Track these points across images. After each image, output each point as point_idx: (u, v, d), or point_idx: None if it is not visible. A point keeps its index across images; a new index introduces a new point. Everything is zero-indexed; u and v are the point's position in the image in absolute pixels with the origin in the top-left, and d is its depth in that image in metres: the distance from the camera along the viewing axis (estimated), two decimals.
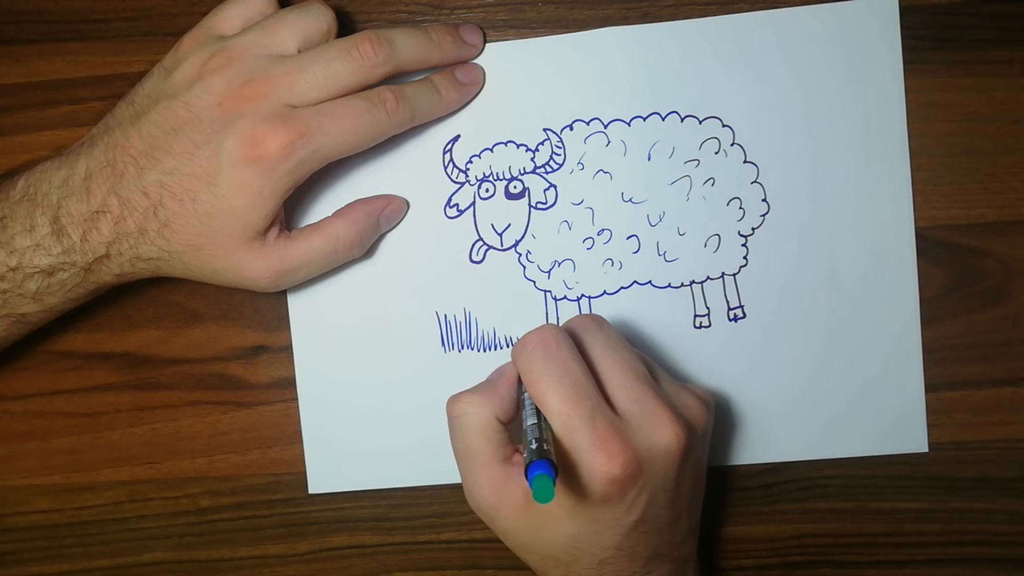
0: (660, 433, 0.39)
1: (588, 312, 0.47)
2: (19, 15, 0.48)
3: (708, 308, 0.47)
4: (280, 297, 0.48)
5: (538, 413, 0.40)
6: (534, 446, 0.37)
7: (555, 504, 0.38)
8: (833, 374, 0.47)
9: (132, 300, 0.49)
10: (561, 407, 0.39)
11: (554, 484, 0.36)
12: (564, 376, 0.39)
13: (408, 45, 0.44)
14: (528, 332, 0.41)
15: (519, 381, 0.42)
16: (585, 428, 0.38)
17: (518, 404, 0.42)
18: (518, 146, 0.47)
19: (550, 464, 0.36)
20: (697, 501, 0.44)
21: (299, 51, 0.43)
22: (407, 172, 0.47)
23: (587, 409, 0.39)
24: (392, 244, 0.48)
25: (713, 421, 0.43)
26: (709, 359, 0.47)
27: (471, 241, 0.48)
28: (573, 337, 0.41)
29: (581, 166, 0.47)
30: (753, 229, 0.47)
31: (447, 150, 0.47)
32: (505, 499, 0.40)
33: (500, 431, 0.41)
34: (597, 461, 0.38)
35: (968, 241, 0.46)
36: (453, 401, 0.42)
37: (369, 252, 0.47)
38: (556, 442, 0.39)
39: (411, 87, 0.44)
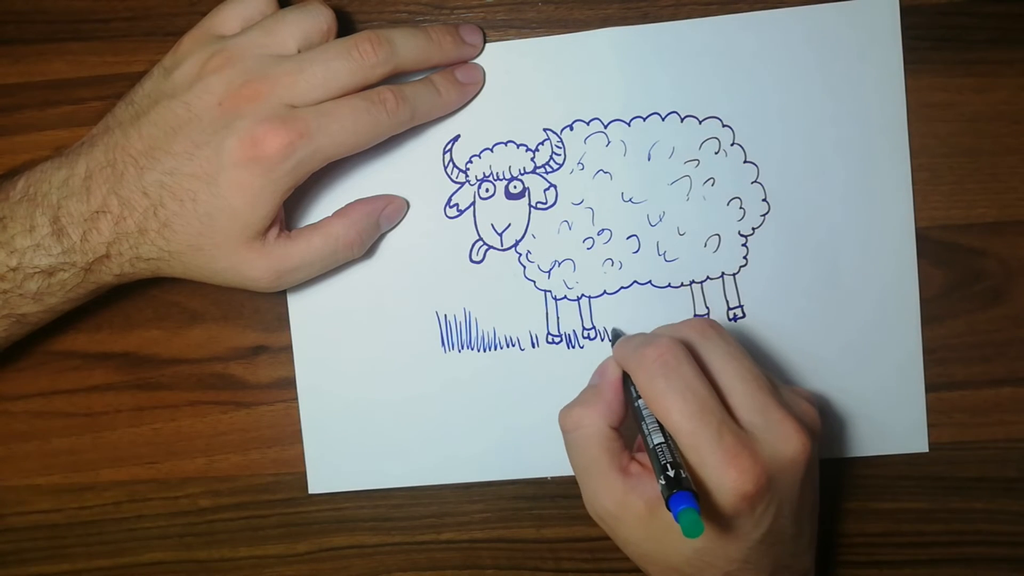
0: (786, 444, 0.39)
1: (703, 317, 0.45)
2: (19, 15, 0.48)
3: (708, 308, 0.47)
4: (280, 297, 0.48)
5: (663, 429, 0.39)
6: (671, 473, 0.37)
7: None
8: (833, 374, 0.47)
9: (132, 300, 0.49)
10: (686, 424, 0.38)
11: (700, 514, 0.35)
12: (687, 392, 0.39)
13: (408, 45, 0.44)
14: (643, 344, 0.40)
15: (623, 382, 0.42)
16: (712, 444, 0.38)
17: (626, 406, 0.42)
18: (518, 146, 0.47)
19: (692, 495, 0.36)
20: (815, 511, 0.43)
21: (299, 51, 0.43)
22: (407, 172, 0.47)
23: (713, 425, 0.38)
24: (392, 244, 0.48)
25: None
26: None
27: (471, 241, 0.48)
28: (688, 345, 0.41)
29: (581, 166, 0.47)
30: (753, 229, 0.47)
31: (447, 150, 0.47)
32: (627, 509, 0.40)
33: (615, 440, 0.41)
34: (728, 478, 0.37)
35: (968, 241, 0.46)
36: (565, 414, 0.42)
37: (369, 252, 0.47)
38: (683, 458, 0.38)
39: (411, 87, 0.44)
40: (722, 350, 0.41)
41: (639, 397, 0.41)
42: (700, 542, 0.39)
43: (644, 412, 0.40)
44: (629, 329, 0.47)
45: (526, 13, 0.47)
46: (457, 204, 0.47)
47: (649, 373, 0.39)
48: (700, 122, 0.46)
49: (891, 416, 0.47)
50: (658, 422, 0.39)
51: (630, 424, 0.42)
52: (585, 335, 0.47)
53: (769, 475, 0.38)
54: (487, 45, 0.47)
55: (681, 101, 0.46)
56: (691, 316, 0.47)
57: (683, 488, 0.36)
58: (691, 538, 0.35)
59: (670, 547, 0.40)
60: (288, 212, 0.46)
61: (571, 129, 0.47)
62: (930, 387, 0.47)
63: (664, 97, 0.46)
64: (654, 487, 0.39)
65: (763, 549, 0.39)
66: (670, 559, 0.40)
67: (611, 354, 0.44)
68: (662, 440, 0.39)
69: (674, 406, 0.38)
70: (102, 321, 0.49)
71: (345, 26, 0.46)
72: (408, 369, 0.48)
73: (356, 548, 0.49)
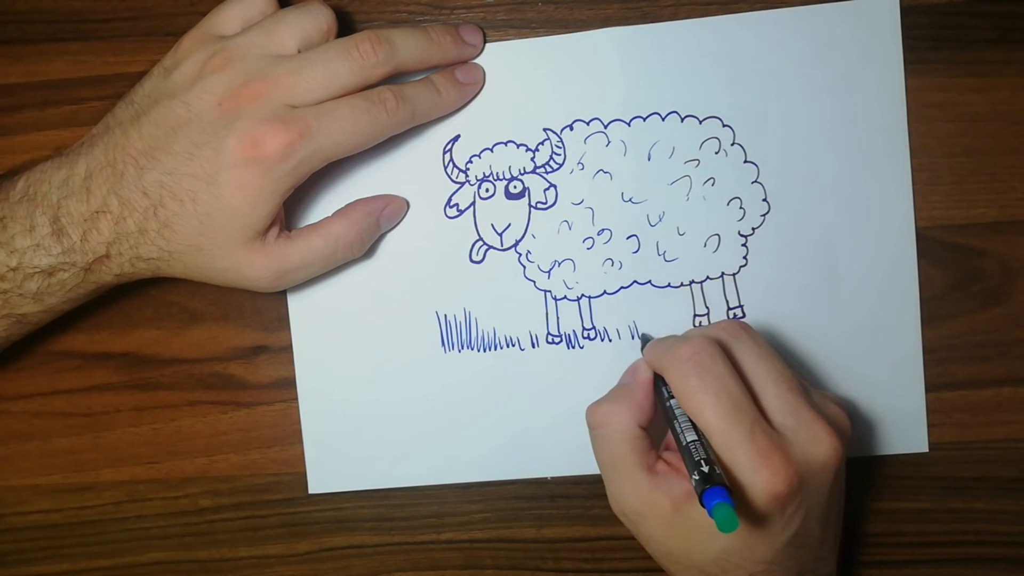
0: (818, 447, 0.39)
1: (735, 319, 0.44)
2: (19, 15, 0.48)
3: (708, 308, 0.47)
4: (280, 297, 0.48)
5: (695, 428, 0.39)
6: (705, 469, 0.37)
7: (707, 516, 0.38)
8: (833, 374, 0.47)
9: (132, 300, 0.49)
10: (719, 424, 0.38)
11: (734, 509, 0.35)
12: (721, 392, 0.39)
13: (408, 45, 0.44)
14: (677, 343, 0.40)
15: (654, 383, 0.42)
16: (745, 444, 0.38)
17: (655, 408, 0.42)
18: (518, 146, 0.47)
19: (726, 491, 0.36)
20: (840, 517, 0.43)
21: (299, 51, 0.43)
22: (407, 172, 0.47)
23: (746, 425, 0.38)
24: (392, 244, 0.48)
25: None
26: None
27: (471, 241, 0.48)
28: (721, 345, 0.41)
29: (581, 166, 0.47)
30: (753, 229, 0.47)
31: (447, 150, 0.47)
32: (652, 507, 0.40)
33: (643, 438, 0.41)
34: (760, 478, 0.38)
35: (968, 241, 0.46)
36: (593, 410, 0.42)
37: (369, 252, 0.47)
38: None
39: (411, 87, 0.44)
40: (754, 351, 0.41)
41: (671, 397, 0.41)
42: (727, 542, 0.39)
43: (676, 411, 0.40)
44: (629, 329, 0.47)
45: (526, 13, 0.47)
46: (457, 204, 0.47)
47: (683, 372, 0.39)
48: (700, 122, 0.46)
49: (891, 416, 0.47)
50: (690, 421, 0.39)
51: (657, 426, 0.42)
52: (585, 335, 0.47)
53: (800, 477, 0.38)
54: (487, 45, 0.47)
55: (681, 101, 0.46)
56: (691, 316, 0.47)
57: (717, 483, 0.36)
58: (726, 533, 0.35)
59: (695, 546, 0.40)
60: (288, 212, 0.46)
61: (571, 129, 0.47)
62: (930, 387, 0.47)
63: (664, 97, 0.46)
64: (681, 485, 0.39)
65: (790, 551, 0.39)
66: (695, 558, 0.40)
67: (641, 356, 0.44)
68: (695, 438, 0.39)
69: (707, 405, 0.39)
70: (102, 321, 0.49)
71: (345, 26, 0.46)
72: (408, 369, 0.48)
73: (356, 548, 0.49)
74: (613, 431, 0.41)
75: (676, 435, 0.40)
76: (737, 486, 0.38)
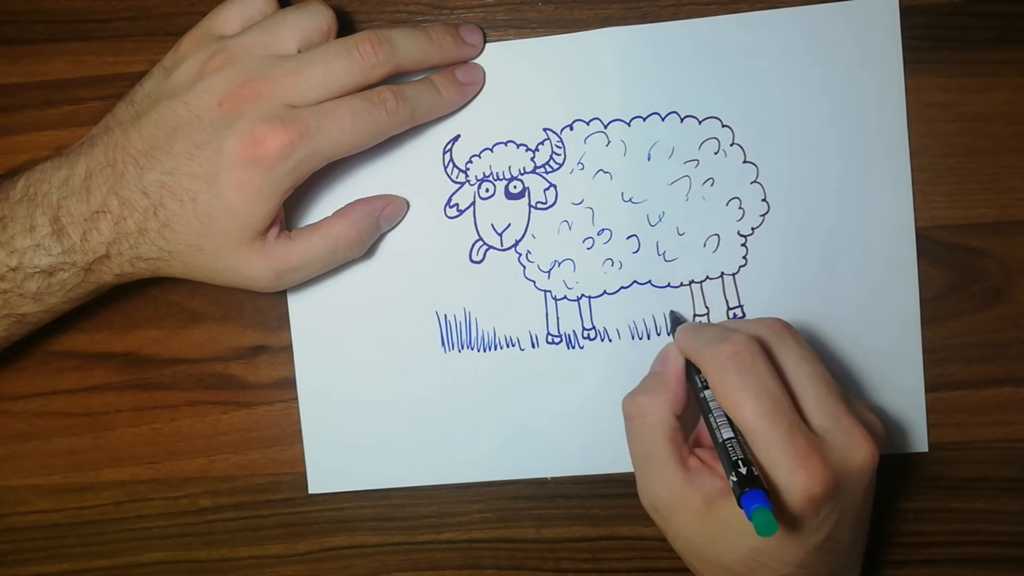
0: (856, 452, 0.39)
1: (777, 318, 0.43)
2: (19, 15, 0.49)
3: (708, 308, 0.47)
4: (280, 297, 0.48)
5: (731, 424, 0.39)
6: (744, 470, 0.37)
7: (741, 513, 0.37)
8: (832, 374, 0.46)
9: (132, 300, 0.49)
10: (758, 423, 0.38)
11: (773, 513, 0.35)
12: (761, 391, 0.38)
13: (408, 45, 0.44)
14: (716, 339, 0.40)
15: (686, 371, 0.42)
16: (783, 445, 0.38)
17: (688, 395, 0.42)
18: (518, 146, 0.47)
19: (765, 494, 0.36)
20: (868, 524, 0.43)
21: (299, 51, 0.43)
22: (407, 172, 0.47)
23: (785, 425, 0.38)
24: (392, 244, 0.48)
25: None
26: None
27: (471, 241, 0.48)
28: (762, 343, 0.40)
29: (581, 166, 0.47)
30: (753, 229, 0.47)
31: (447, 150, 0.47)
32: (684, 503, 0.40)
33: (679, 430, 0.41)
34: (796, 479, 0.37)
35: (968, 241, 0.46)
36: (630, 401, 0.42)
37: (369, 252, 0.47)
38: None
39: (411, 87, 0.44)
40: (796, 352, 0.41)
41: (704, 388, 0.41)
42: (757, 542, 0.38)
43: (711, 405, 0.40)
44: (629, 329, 0.47)
45: (526, 13, 0.47)
46: (457, 204, 0.47)
47: (723, 368, 0.39)
48: (700, 122, 0.46)
49: (891, 416, 0.47)
50: (726, 416, 0.39)
51: (688, 416, 0.42)
52: (585, 335, 0.47)
53: (836, 481, 0.38)
54: (487, 45, 0.47)
55: (681, 101, 0.46)
56: (691, 316, 0.47)
57: (756, 486, 0.36)
58: (764, 537, 0.35)
59: (724, 544, 0.39)
60: (288, 212, 0.46)
61: (571, 129, 0.47)
62: (930, 387, 0.47)
63: (664, 97, 0.46)
64: (713, 483, 0.39)
65: (819, 556, 0.39)
66: (723, 557, 0.40)
67: (671, 341, 0.44)
68: (731, 435, 0.39)
69: (747, 404, 0.38)
70: (102, 321, 0.49)
71: (345, 26, 0.46)
72: (408, 369, 0.48)
73: (356, 548, 0.49)
74: (651, 422, 0.41)
75: (711, 429, 0.39)
76: (772, 486, 0.38)
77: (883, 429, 0.41)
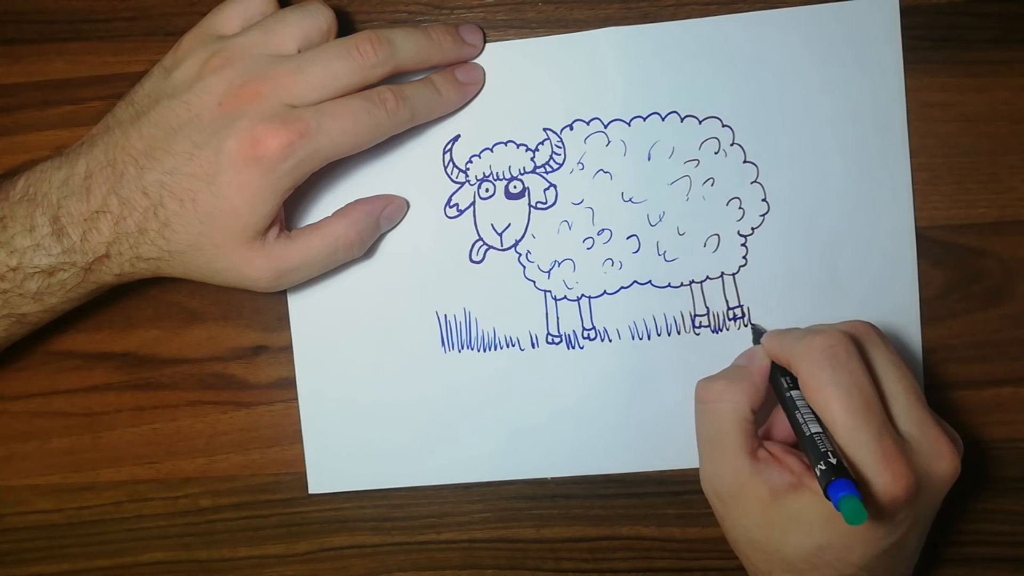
0: (940, 462, 0.39)
1: (866, 321, 0.43)
2: (19, 15, 0.49)
3: (708, 308, 0.47)
4: (280, 297, 0.48)
5: (819, 421, 0.39)
6: (833, 460, 0.37)
7: (812, 508, 0.37)
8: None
9: (132, 300, 0.49)
10: (848, 420, 0.38)
11: (862, 502, 0.35)
12: (853, 388, 0.38)
13: (408, 45, 0.44)
14: (811, 333, 0.40)
15: (771, 373, 0.42)
16: (872, 444, 0.38)
17: (768, 395, 0.42)
18: (518, 146, 0.47)
19: (853, 483, 0.36)
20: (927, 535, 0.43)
21: (299, 51, 0.43)
22: (407, 172, 0.47)
23: (875, 425, 0.38)
24: (392, 244, 0.48)
25: None
26: (708, 359, 0.47)
27: (471, 241, 0.48)
28: (855, 344, 0.40)
29: (581, 166, 0.47)
30: (753, 229, 0.47)
31: (447, 150, 0.47)
32: (749, 492, 0.40)
33: (752, 422, 0.41)
34: (881, 479, 0.37)
35: (968, 241, 0.46)
36: (706, 385, 0.42)
37: (369, 252, 0.47)
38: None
39: (411, 87, 0.44)
40: (887, 356, 0.41)
41: (791, 388, 0.41)
42: (825, 539, 0.38)
43: (799, 402, 0.40)
44: (629, 329, 0.47)
45: (526, 13, 0.47)
46: (457, 204, 0.47)
47: (815, 362, 0.39)
48: (700, 122, 0.46)
49: None
50: (813, 413, 0.39)
51: (759, 417, 0.42)
52: (585, 335, 0.47)
53: (918, 487, 0.38)
54: (487, 45, 0.47)
55: (681, 101, 0.46)
56: (690, 316, 0.47)
57: (845, 476, 0.36)
58: (853, 525, 0.35)
59: (789, 539, 0.39)
60: (288, 212, 0.46)
61: (571, 129, 0.47)
62: (930, 387, 0.47)
63: (664, 97, 0.46)
64: (782, 476, 0.39)
65: (885, 560, 0.39)
66: (784, 551, 0.40)
67: (753, 345, 0.44)
68: (819, 430, 0.38)
69: (837, 399, 0.38)
70: (102, 321, 0.49)
71: (345, 26, 0.46)
72: (408, 369, 0.48)
73: (356, 548, 0.49)
74: (725, 408, 0.41)
75: (797, 425, 0.39)
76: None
77: (962, 445, 0.41)
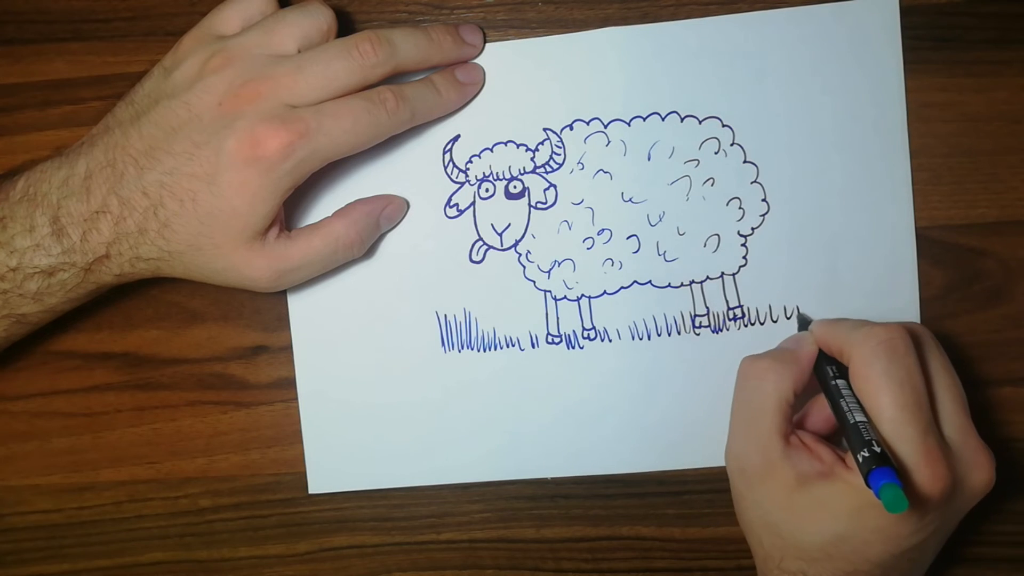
0: (977, 472, 0.39)
1: (920, 324, 0.43)
2: (19, 15, 0.49)
3: (708, 308, 0.47)
4: (280, 297, 0.48)
5: (864, 411, 0.39)
6: (877, 449, 0.37)
7: (840, 498, 0.37)
8: None
9: (132, 300, 0.49)
10: (896, 413, 0.38)
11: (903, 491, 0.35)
12: (906, 383, 0.38)
13: (408, 45, 0.44)
14: (870, 323, 0.40)
15: (817, 360, 0.42)
16: (916, 441, 0.38)
17: (810, 381, 0.42)
18: (518, 146, 0.47)
19: (895, 472, 0.36)
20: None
21: (299, 51, 0.43)
22: (407, 172, 0.47)
23: (922, 422, 0.38)
24: (392, 244, 0.48)
25: None
26: (708, 359, 0.47)
27: (471, 241, 0.48)
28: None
29: (581, 166, 0.47)
30: (753, 229, 0.47)
31: (447, 150, 0.47)
32: (776, 474, 0.40)
33: (791, 405, 0.41)
34: (920, 476, 0.37)
35: (968, 241, 0.46)
36: (752, 362, 0.42)
37: (369, 252, 0.47)
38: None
39: (411, 87, 0.44)
40: (939, 360, 0.41)
41: (837, 377, 0.41)
42: (846, 530, 0.38)
43: (844, 392, 0.40)
44: (629, 329, 0.47)
45: (526, 13, 0.47)
46: (457, 204, 0.47)
47: (872, 351, 0.39)
48: (700, 122, 0.46)
49: None
50: (859, 403, 0.39)
51: (798, 403, 0.42)
52: (585, 335, 0.47)
53: (952, 492, 0.38)
54: (487, 45, 0.47)
55: (681, 101, 0.46)
56: (690, 316, 0.47)
57: (887, 464, 0.36)
58: (894, 513, 0.35)
59: (810, 526, 0.39)
60: (288, 212, 0.46)
61: (571, 129, 0.47)
62: None
63: (664, 97, 0.46)
64: (811, 463, 0.39)
65: (901, 561, 0.39)
66: (802, 537, 0.40)
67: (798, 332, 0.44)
68: (864, 419, 0.38)
69: (888, 391, 0.38)
70: (102, 321, 0.49)
71: (345, 26, 0.46)
72: (408, 369, 0.48)
73: (356, 548, 0.49)
74: (767, 387, 0.41)
75: (841, 413, 0.39)
76: None
77: (995, 461, 0.41)
